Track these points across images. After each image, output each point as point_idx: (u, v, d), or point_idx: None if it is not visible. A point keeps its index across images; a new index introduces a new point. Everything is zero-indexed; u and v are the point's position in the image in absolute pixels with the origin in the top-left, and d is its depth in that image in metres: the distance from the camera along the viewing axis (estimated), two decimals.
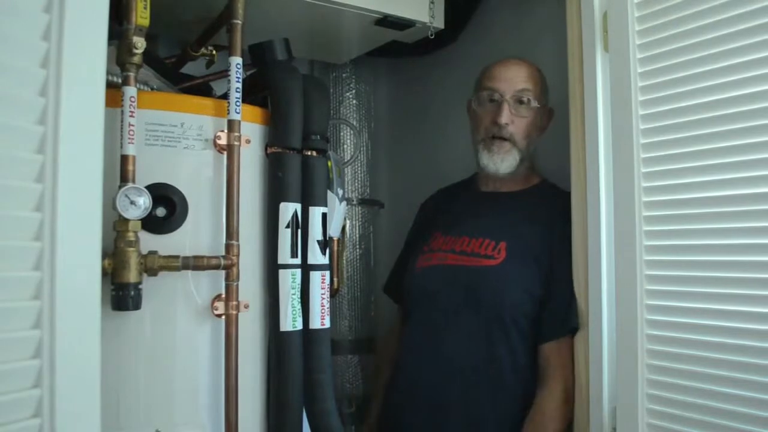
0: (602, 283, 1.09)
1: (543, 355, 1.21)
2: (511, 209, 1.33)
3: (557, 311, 1.19)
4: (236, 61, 0.98)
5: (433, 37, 1.48)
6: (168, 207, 0.96)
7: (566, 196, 1.25)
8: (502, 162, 1.29)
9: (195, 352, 0.98)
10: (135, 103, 0.89)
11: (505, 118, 1.27)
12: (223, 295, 0.98)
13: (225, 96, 1.00)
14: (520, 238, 1.26)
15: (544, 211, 1.29)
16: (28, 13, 0.71)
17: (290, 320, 1.02)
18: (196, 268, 0.95)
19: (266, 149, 1.06)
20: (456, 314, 1.26)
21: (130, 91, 0.89)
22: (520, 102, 1.29)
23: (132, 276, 0.87)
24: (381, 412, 1.43)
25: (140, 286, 0.89)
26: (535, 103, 1.29)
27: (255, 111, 1.06)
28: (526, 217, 1.30)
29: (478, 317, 1.24)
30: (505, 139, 1.29)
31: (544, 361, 1.21)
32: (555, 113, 1.35)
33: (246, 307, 1.00)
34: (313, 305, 1.05)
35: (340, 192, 1.18)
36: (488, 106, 1.31)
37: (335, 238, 1.21)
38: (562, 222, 1.21)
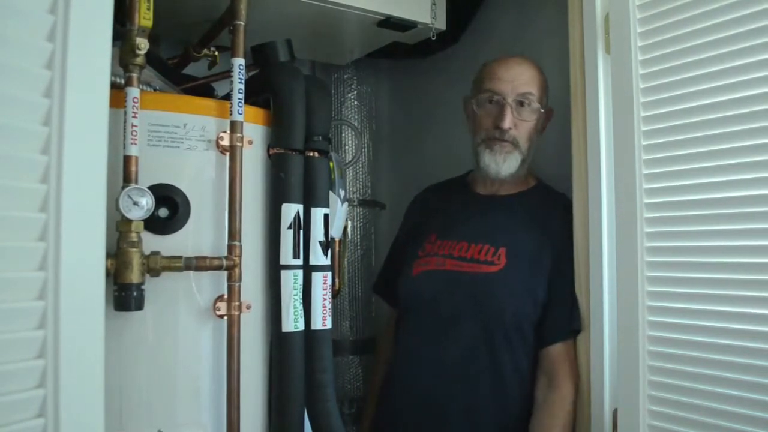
0: (603, 285, 1.09)
1: (549, 358, 1.20)
2: (509, 213, 1.31)
3: (561, 313, 1.19)
4: (239, 62, 0.99)
5: (434, 38, 1.48)
6: (170, 208, 0.96)
7: (563, 198, 1.25)
8: (504, 162, 1.27)
9: (197, 352, 0.99)
10: (138, 104, 0.89)
11: (507, 122, 1.24)
12: (225, 296, 0.98)
13: (227, 97, 1.00)
14: (519, 242, 1.25)
15: (541, 214, 1.28)
16: (32, 15, 0.71)
17: (292, 321, 1.02)
18: (198, 268, 0.95)
19: (268, 150, 1.06)
20: (457, 321, 1.24)
21: (133, 92, 0.89)
22: (522, 104, 1.26)
23: (134, 276, 0.88)
24: (377, 418, 1.41)
25: (143, 287, 0.89)
26: (537, 106, 1.27)
27: (257, 112, 1.07)
28: (524, 221, 1.28)
29: (479, 324, 1.22)
30: (507, 142, 1.27)
31: (550, 364, 1.19)
32: (556, 115, 1.34)
33: (248, 307, 1.00)
34: (314, 306, 1.06)
35: (342, 193, 1.18)
36: (489, 108, 1.28)
37: (337, 239, 1.21)
38: (561, 224, 1.21)
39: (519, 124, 1.26)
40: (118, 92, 0.88)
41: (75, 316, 0.73)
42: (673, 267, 0.97)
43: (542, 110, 1.28)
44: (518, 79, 1.26)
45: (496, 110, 1.27)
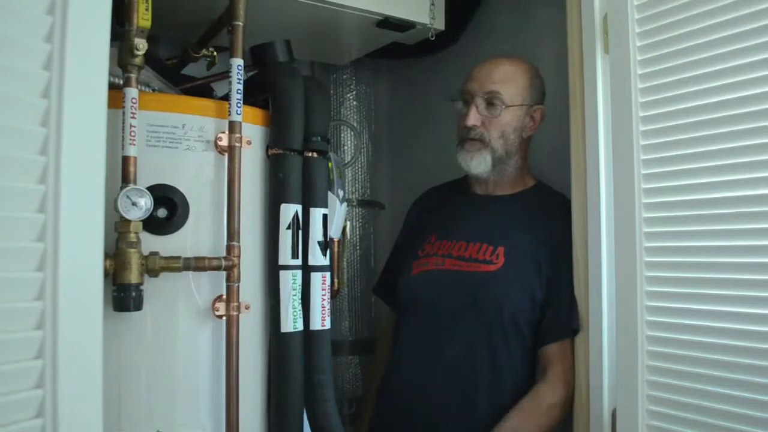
0: (602, 285, 1.09)
1: (545, 357, 1.20)
2: (507, 213, 1.32)
3: (559, 314, 1.19)
4: (237, 62, 0.99)
5: (433, 38, 1.49)
6: (169, 208, 0.96)
7: (562, 198, 1.25)
8: (472, 160, 1.28)
9: (196, 353, 0.99)
10: (136, 105, 0.89)
11: (471, 119, 1.27)
12: (224, 296, 0.98)
13: (226, 97, 1.00)
14: (518, 242, 1.25)
15: (540, 215, 1.29)
16: (30, 16, 0.71)
17: (291, 321, 1.02)
18: (197, 269, 0.95)
19: (267, 150, 1.06)
20: (456, 320, 1.25)
21: (132, 92, 0.89)
22: (490, 103, 1.27)
23: (133, 277, 0.88)
24: (374, 417, 1.40)
25: (141, 287, 0.89)
26: (506, 103, 1.27)
27: (256, 112, 1.07)
28: (523, 221, 1.28)
29: (478, 323, 1.23)
30: (476, 140, 1.28)
31: (546, 363, 1.20)
32: (555, 115, 1.33)
33: (247, 308, 1.00)
34: (313, 306, 1.06)
35: (341, 193, 1.18)
36: (464, 108, 1.31)
37: (336, 239, 1.21)
38: (560, 224, 1.21)
39: (489, 122, 1.28)
40: (116, 93, 0.89)
41: (73, 317, 0.73)
42: (672, 267, 0.97)
43: (512, 106, 1.27)
44: (488, 78, 1.28)
45: (467, 109, 1.29)
